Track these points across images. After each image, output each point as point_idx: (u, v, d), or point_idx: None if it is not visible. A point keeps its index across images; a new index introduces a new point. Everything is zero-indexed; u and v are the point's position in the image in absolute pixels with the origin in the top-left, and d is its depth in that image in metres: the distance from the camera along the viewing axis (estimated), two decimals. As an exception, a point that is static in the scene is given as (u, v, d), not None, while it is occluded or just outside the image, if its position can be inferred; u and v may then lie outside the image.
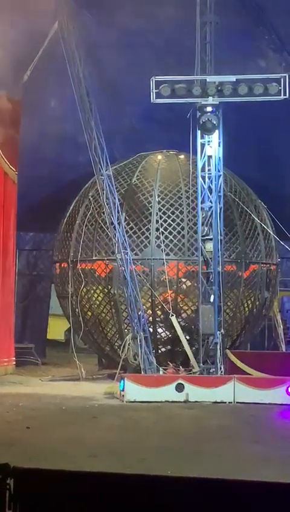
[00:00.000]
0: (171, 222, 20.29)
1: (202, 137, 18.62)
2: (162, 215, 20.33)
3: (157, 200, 20.45)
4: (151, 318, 20.11)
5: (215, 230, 18.44)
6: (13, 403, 15.96)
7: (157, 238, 20.15)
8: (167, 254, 20.10)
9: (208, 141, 18.61)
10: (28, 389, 18.31)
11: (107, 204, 19.01)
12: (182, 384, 16.75)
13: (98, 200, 20.16)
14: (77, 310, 20.99)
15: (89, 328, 21.21)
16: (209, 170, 18.66)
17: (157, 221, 20.27)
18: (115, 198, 19.03)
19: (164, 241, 20.08)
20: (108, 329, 21.06)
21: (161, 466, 10.08)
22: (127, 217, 20.22)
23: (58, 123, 20.87)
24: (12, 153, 21.01)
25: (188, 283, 20.21)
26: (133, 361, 18.41)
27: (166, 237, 20.16)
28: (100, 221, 20.36)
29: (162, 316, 20.31)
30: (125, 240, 19.08)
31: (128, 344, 18.52)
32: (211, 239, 18.50)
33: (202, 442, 12.58)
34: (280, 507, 5.66)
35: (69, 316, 21.22)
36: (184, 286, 20.26)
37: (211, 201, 18.59)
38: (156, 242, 20.16)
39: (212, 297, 18.35)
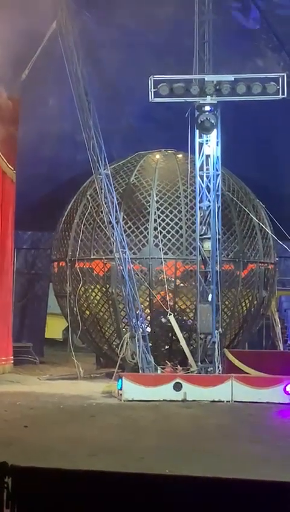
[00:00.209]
0: (169, 221, 20.30)
1: (200, 136, 18.62)
2: (160, 214, 20.34)
3: (155, 199, 20.45)
4: (149, 317, 20.12)
5: (213, 229, 18.45)
6: (11, 401, 15.96)
7: (156, 237, 20.16)
8: (165, 253, 20.11)
9: (206, 140, 18.61)
10: (26, 388, 18.31)
11: (105, 203, 19.01)
12: (180, 383, 16.77)
13: (96, 199, 20.16)
14: (75, 309, 20.99)
15: (87, 327, 21.22)
16: (207, 169, 18.67)
17: (155, 220, 20.28)
18: (113, 197, 19.04)
19: (162, 240, 20.08)
20: (106, 328, 21.07)
21: (159, 465, 10.09)
22: (125, 216, 20.22)
23: (56, 122, 20.87)
24: (11, 152, 21.00)
25: (178, 282, 20.19)
26: (131, 360, 18.42)
27: (164, 236, 20.17)
28: (98, 220, 20.37)
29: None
30: (123, 239, 19.08)
31: (126, 343, 18.53)
32: (209, 238, 18.50)
33: (200, 441, 12.59)
34: (278, 506, 5.67)
35: (67, 315, 21.20)
36: (172, 285, 20.23)
37: (209, 201, 18.60)
38: (154, 241, 20.17)
39: (210, 296, 18.36)
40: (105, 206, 19.01)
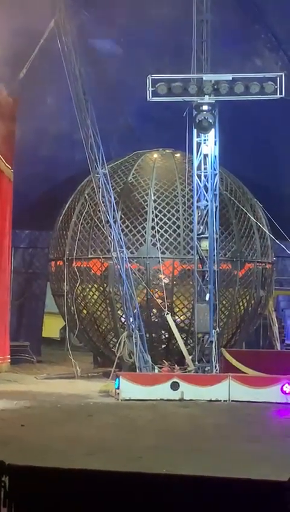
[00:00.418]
0: (167, 220, 20.30)
1: (198, 135, 18.62)
2: (158, 214, 20.34)
3: (153, 198, 20.45)
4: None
5: (211, 229, 18.45)
6: (8, 400, 15.95)
7: (153, 236, 20.16)
8: (163, 252, 20.11)
9: (204, 140, 18.61)
10: (23, 387, 18.31)
11: (103, 202, 19.01)
12: (177, 382, 16.77)
13: (94, 198, 20.15)
14: (72, 308, 20.98)
15: (85, 326, 21.22)
16: (205, 169, 18.66)
17: (153, 220, 20.28)
18: (110, 196, 19.04)
19: (159, 240, 20.09)
20: (103, 328, 21.06)
21: (157, 464, 10.09)
22: (122, 215, 20.22)
23: (54, 121, 20.87)
24: (9, 151, 20.98)
25: (166, 280, 20.19)
26: (128, 359, 18.43)
27: (162, 236, 20.17)
28: (96, 220, 20.36)
29: (157, 314, 20.35)
30: (121, 238, 19.08)
31: (124, 342, 18.53)
32: (206, 238, 18.50)
33: (197, 441, 12.60)
34: (275, 505, 5.68)
35: (65, 314, 21.21)
36: (163, 282, 20.23)
37: (206, 200, 18.60)
38: (151, 240, 20.17)
39: (207, 295, 18.37)
40: (103, 205, 19.01)
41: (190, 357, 18.69)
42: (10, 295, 22.35)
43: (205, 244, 18.51)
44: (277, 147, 22.41)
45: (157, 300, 20.00)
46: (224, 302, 20.59)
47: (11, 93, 20.63)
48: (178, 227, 20.30)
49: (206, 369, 18.15)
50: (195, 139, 18.60)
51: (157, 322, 20.46)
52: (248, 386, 16.67)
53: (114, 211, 19.07)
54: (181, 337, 19.58)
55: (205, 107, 18.27)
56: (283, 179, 22.78)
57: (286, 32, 21.46)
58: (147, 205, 20.47)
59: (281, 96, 18.14)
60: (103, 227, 19.54)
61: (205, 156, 18.64)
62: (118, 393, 16.63)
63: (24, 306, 25.19)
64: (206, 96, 18.20)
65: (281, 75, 18.27)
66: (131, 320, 18.56)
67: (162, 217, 20.32)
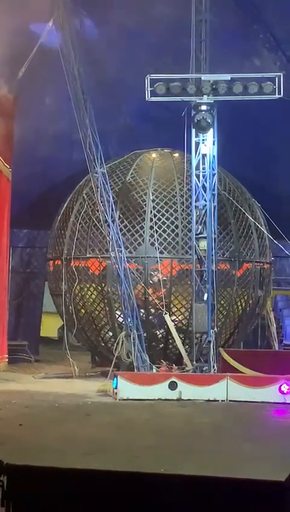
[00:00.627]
0: (165, 220, 20.31)
1: (197, 135, 18.63)
2: (156, 213, 20.34)
3: (151, 198, 20.46)
4: (144, 316, 20.13)
5: (209, 228, 18.47)
6: (6, 400, 15.96)
7: (152, 236, 20.17)
8: (161, 252, 20.12)
9: (203, 140, 18.62)
10: (21, 386, 18.31)
11: (101, 202, 19.02)
12: (175, 382, 16.78)
13: (92, 198, 20.16)
14: (70, 307, 20.99)
15: (83, 325, 21.22)
16: (203, 169, 18.68)
17: (151, 219, 20.28)
18: (109, 196, 19.05)
19: (157, 239, 20.09)
20: (101, 327, 21.07)
21: (154, 464, 10.09)
22: (121, 215, 20.22)
23: (53, 121, 20.87)
24: (7, 150, 20.98)
25: (160, 275, 20.18)
26: (126, 359, 18.44)
27: (160, 235, 20.18)
28: (94, 219, 20.36)
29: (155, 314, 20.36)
30: (119, 237, 19.09)
31: (122, 342, 18.53)
32: (205, 237, 18.52)
33: (194, 440, 12.61)
34: (273, 505, 5.68)
35: (63, 313, 21.22)
36: (155, 279, 20.24)
37: (205, 200, 18.61)
38: (150, 240, 20.17)
39: (205, 295, 18.38)
40: (101, 204, 19.02)
41: (188, 357, 18.72)
42: (8, 294, 22.35)
43: (203, 244, 18.52)
44: (276, 147, 22.42)
45: (155, 300, 20.00)
46: (222, 302, 20.61)
47: (9, 93, 20.61)
48: (176, 227, 20.31)
49: (204, 368, 18.16)
50: (193, 139, 18.61)
51: (155, 322, 20.46)
52: (245, 386, 16.68)
53: (112, 210, 19.08)
54: (179, 336, 19.60)
55: (203, 107, 18.28)
56: (281, 178, 22.78)
57: (284, 32, 21.47)
58: (145, 205, 20.47)
59: (279, 96, 18.15)
60: (101, 227, 19.55)
61: (204, 155, 18.66)
62: (116, 393, 16.63)
63: (22, 305, 25.20)
64: (205, 96, 18.21)
65: (280, 75, 18.28)
66: (129, 319, 18.57)
67: (161, 216, 20.32)
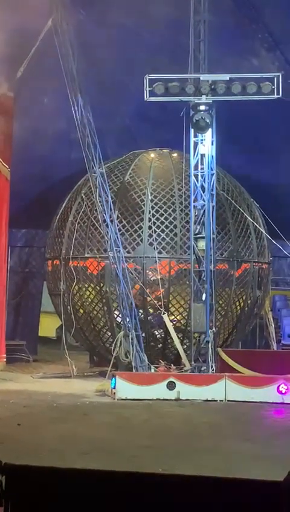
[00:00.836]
0: (163, 220, 20.31)
1: (195, 135, 18.63)
2: (155, 213, 20.34)
3: (150, 198, 20.46)
4: (143, 316, 20.13)
5: (207, 228, 18.47)
6: (4, 399, 15.95)
7: (150, 236, 20.17)
8: (159, 252, 20.12)
9: (201, 140, 18.63)
10: (19, 386, 18.30)
11: (99, 201, 19.01)
12: (173, 382, 16.78)
13: (91, 198, 20.16)
14: (68, 307, 20.99)
15: (81, 325, 21.22)
16: (202, 169, 18.68)
17: (149, 219, 20.29)
18: (107, 196, 19.05)
19: (156, 239, 20.09)
20: (100, 327, 21.07)
21: (152, 464, 10.10)
22: (119, 215, 20.23)
23: (51, 120, 20.85)
24: (6, 150, 20.98)
25: (157, 276, 20.18)
26: (124, 359, 18.43)
27: (158, 235, 20.18)
28: (93, 219, 20.37)
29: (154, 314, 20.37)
30: (117, 237, 19.09)
31: (120, 342, 18.53)
32: (203, 237, 18.52)
33: (193, 440, 12.61)
34: (270, 505, 5.68)
35: (61, 313, 21.21)
36: (152, 278, 20.25)
37: (203, 200, 18.61)
38: (148, 240, 20.18)
39: (204, 295, 18.38)
40: (99, 204, 19.02)
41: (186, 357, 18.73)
42: (6, 294, 22.35)
43: (201, 244, 18.52)
44: (274, 147, 22.43)
45: (153, 300, 20.00)
46: (220, 302, 20.62)
47: (8, 92, 20.60)
48: (175, 227, 20.31)
49: (202, 368, 18.16)
50: (192, 139, 18.61)
51: (154, 322, 20.45)
52: (244, 386, 16.68)
53: (111, 210, 19.08)
54: (178, 336, 19.60)
55: (202, 107, 18.29)
56: (279, 178, 22.80)
57: (283, 32, 21.47)
58: (143, 205, 20.48)
59: (278, 96, 18.16)
60: (100, 227, 19.55)
61: (202, 155, 18.66)
62: (114, 393, 16.63)
63: (20, 305, 25.20)
64: (204, 96, 18.21)
65: (279, 75, 18.30)
66: (127, 319, 18.57)
67: (159, 216, 20.32)
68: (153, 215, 20.31)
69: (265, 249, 21.71)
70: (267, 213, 21.19)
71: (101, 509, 5.93)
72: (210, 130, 18.46)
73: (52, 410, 15.11)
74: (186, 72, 18.41)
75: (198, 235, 18.60)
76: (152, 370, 18.42)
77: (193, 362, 18.36)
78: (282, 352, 21.17)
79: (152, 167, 21.20)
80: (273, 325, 22.65)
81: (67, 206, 21.61)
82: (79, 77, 18.88)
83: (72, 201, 21.50)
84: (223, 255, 20.66)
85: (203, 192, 18.62)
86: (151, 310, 20.31)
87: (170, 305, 20.31)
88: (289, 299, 24.51)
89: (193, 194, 18.74)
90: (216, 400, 16.59)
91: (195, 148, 18.66)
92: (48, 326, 26.63)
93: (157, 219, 20.29)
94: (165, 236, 20.22)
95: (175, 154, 21.46)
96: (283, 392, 16.42)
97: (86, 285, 20.92)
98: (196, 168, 18.69)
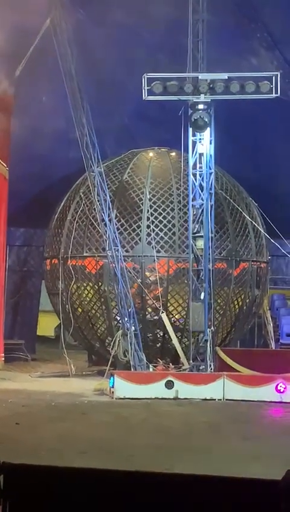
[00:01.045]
0: (162, 219, 20.31)
1: (194, 134, 18.63)
2: (153, 212, 20.35)
3: (148, 197, 20.46)
4: (141, 315, 20.13)
5: (206, 227, 18.47)
6: (2, 399, 15.94)
7: (148, 235, 20.17)
8: (158, 251, 20.12)
9: (200, 139, 18.62)
10: (17, 385, 18.30)
11: (98, 200, 19.01)
12: (171, 381, 16.78)
13: (89, 197, 20.15)
14: (67, 306, 20.97)
15: (79, 324, 21.22)
16: (200, 168, 18.68)
17: (148, 218, 20.29)
18: (106, 194, 19.04)
19: (154, 238, 20.09)
20: (98, 326, 21.07)
21: (151, 463, 10.09)
22: (118, 214, 20.23)
23: (50, 119, 20.83)
24: (4, 149, 20.97)
25: (153, 277, 20.20)
26: (123, 358, 18.43)
27: (157, 234, 20.18)
28: (91, 218, 20.36)
29: (152, 313, 20.37)
30: (116, 236, 19.09)
31: (119, 341, 18.54)
32: (201, 236, 18.52)
33: (191, 439, 12.62)
34: (269, 504, 5.69)
35: (60, 312, 21.20)
36: (149, 280, 20.25)
37: (202, 199, 18.61)
38: (147, 239, 20.18)
39: (202, 294, 18.38)
40: (98, 203, 19.02)
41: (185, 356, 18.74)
42: (5, 293, 22.33)
43: (200, 243, 18.52)
44: (273, 146, 22.43)
45: (151, 299, 20.01)
46: (219, 301, 20.62)
47: (6, 91, 20.58)
48: (173, 226, 20.32)
49: (200, 367, 18.17)
50: (191, 138, 18.61)
51: (152, 321, 20.46)
52: (242, 385, 16.69)
53: (109, 209, 19.08)
54: (176, 335, 19.61)
55: (200, 106, 18.28)
56: (278, 177, 22.80)
57: (281, 31, 21.48)
58: (142, 204, 20.47)
59: (276, 95, 18.16)
60: (98, 226, 19.55)
61: (201, 155, 18.66)
62: (113, 392, 16.63)
63: (19, 304, 25.18)
64: (202, 95, 18.21)
65: (277, 75, 18.29)
66: (126, 318, 18.57)
67: (158, 215, 20.33)
68: (152, 214, 20.31)
69: (263, 248, 21.71)
70: (265, 212, 21.18)
71: (100, 509, 5.94)
72: (208, 129, 18.45)
73: (50, 410, 15.11)
74: (185, 71, 18.40)
75: (196, 234, 18.60)
76: (150, 369, 18.41)
77: (191, 361, 18.36)
78: (280, 351, 21.19)
79: (150, 166, 21.20)
80: (271, 324, 22.68)
81: (66, 205, 21.60)
82: (78, 76, 18.87)
83: (70, 200, 21.50)
84: (222, 254, 20.67)
85: (202, 191, 18.62)
86: (149, 309, 20.31)
87: (169, 304, 20.31)
88: (287, 298, 24.54)
89: (192, 193, 18.74)
90: (214, 399, 16.60)
91: (193, 147, 18.66)
92: (47, 325, 26.61)
93: (156, 218, 20.29)
94: (163, 235, 20.22)
95: (173, 153, 21.46)
96: (281, 391, 16.43)
97: (85, 284, 20.92)
98: (194, 167, 18.69)
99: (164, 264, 20.31)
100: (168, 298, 20.31)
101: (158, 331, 20.42)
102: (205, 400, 16.56)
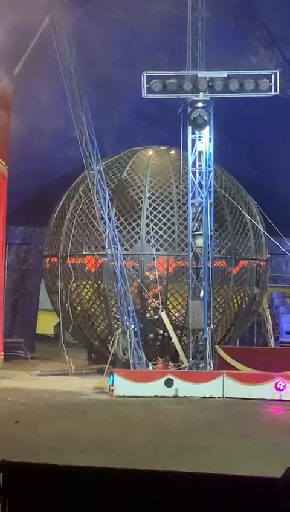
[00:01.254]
0: (161, 217, 20.31)
1: (193, 133, 18.62)
2: (153, 211, 20.35)
3: (147, 195, 20.46)
4: (141, 313, 20.13)
5: (205, 226, 18.47)
6: (2, 397, 15.94)
7: (148, 233, 20.17)
8: (157, 249, 20.12)
9: (199, 137, 18.62)
10: (17, 384, 18.29)
11: (97, 199, 19.01)
12: (171, 379, 16.78)
13: (89, 195, 20.15)
14: (66, 304, 20.96)
15: (79, 323, 21.22)
16: (199, 166, 18.67)
17: (147, 217, 20.29)
18: (105, 193, 19.04)
19: (154, 237, 20.09)
20: (98, 324, 21.07)
21: (150, 461, 10.10)
22: (117, 212, 20.22)
23: (49, 118, 20.82)
24: (3, 147, 20.96)
25: (152, 276, 20.19)
26: (122, 356, 18.44)
27: (156, 232, 20.18)
28: (90, 216, 20.36)
29: (152, 311, 20.37)
30: (115, 234, 19.09)
31: (118, 339, 18.54)
32: (201, 235, 18.51)
33: (190, 437, 12.62)
34: (268, 502, 5.69)
35: (59, 310, 21.20)
36: (149, 279, 20.26)
37: (201, 197, 18.61)
38: (146, 237, 20.18)
39: (202, 292, 18.38)
40: (97, 201, 19.01)
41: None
42: (4, 292, 22.33)
43: (199, 241, 18.52)
44: (272, 145, 22.43)
45: (151, 297, 20.01)
46: (218, 299, 20.62)
47: (5, 90, 20.57)
48: (173, 224, 20.32)
49: (200, 366, 18.17)
50: (190, 136, 18.61)
51: (151, 319, 20.46)
52: (242, 383, 16.70)
53: (108, 207, 19.08)
54: (176, 334, 19.61)
55: (199, 104, 18.28)
56: (277, 176, 22.79)
57: (280, 29, 21.48)
58: (141, 202, 20.47)
59: (275, 93, 18.15)
60: (98, 224, 19.54)
61: (200, 153, 18.65)
62: (112, 390, 16.63)
63: (18, 303, 25.18)
64: (201, 93, 18.21)
65: (276, 73, 18.29)
66: (125, 317, 18.57)
67: (157, 213, 20.33)
68: (151, 213, 20.31)
69: (263, 246, 21.71)
70: (265, 210, 21.20)
71: (99, 506, 5.94)
72: (208, 127, 18.45)
73: (50, 408, 15.11)
74: (184, 69, 18.40)
75: (196, 232, 18.59)
76: (150, 367, 18.42)
77: (190, 359, 18.37)
78: (280, 349, 21.20)
79: (150, 164, 21.19)
80: (271, 322, 22.68)
81: (65, 203, 21.60)
82: (77, 75, 18.86)
83: (69, 199, 21.50)
84: (221, 252, 20.67)
85: (201, 190, 18.61)
86: (149, 308, 20.32)
87: (168, 303, 20.31)
88: (286, 296, 24.55)
89: (191, 191, 18.74)
90: (214, 397, 16.60)
91: (193, 145, 18.66)
92: (46, 323, 26.62)
93: (155, 216, 20.29)
94: (163, 234, 20.22)
95: (173, 152, 21.45)
96: (281, 388, 16.44)
97: (84, 283, 20.92)
98: (193, 165, 18.69)
99: (163, 263, 20.31)
100: (168, 296, 20.31)
101: (158, 329, 20.42)
102: (205, 398, 16.57)
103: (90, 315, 21.01)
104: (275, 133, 22.14)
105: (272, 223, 20.54)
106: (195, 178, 18.66)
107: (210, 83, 18.16)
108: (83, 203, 20.79)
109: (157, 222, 20.26)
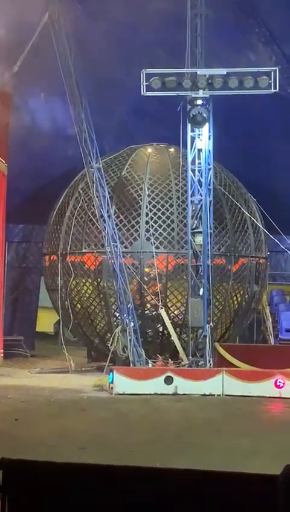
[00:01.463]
0: (161, 215, 20.31)
1: (192, 130, 18.61)
2: (152, 208, 20.34)
3: (147, 193, 20.45)
4: (140, 311, 20.13)
5: (205, 223, 18.47)
6: (2, 395, 15.96)
7: (147, 231, 20.17)
8: (157, 247, 20.12)
9: (198, 134, 18.61)
10: (16, 381, 18.31)
11: (97, 196, 19.00)
12: (170, 376, 16.79)
13: (88, 193, 20.14)
14: (66, 302, 20.98)
15: (78, 320, 21.22)
16: (199, 163, 18.67)
17: (147, 214, 20.29)
18: (104, 191, 19.03)
19: (153, 234, 20.09)
20: (97, 322, 21.08)
21: (150, 458, 10.10)
22: (116, 210, 20.22)
23: (48, 116, 20.83)
24: (2, 145, 20.95)
25: (152, 273, 20.20)
26: (122, 353, 18.44)
27: (156, 230, 20.18)
28: (90, 214, 20.36)
29: (151, 309, 20.37)
30: (115, 232, 19.08)
31: (118, 337, 18.54)
32: (200, 232, 18.51)
33: (190, 435, 12.62)
34: (267, 499, 5.69)
35: (59, 308, 21.22)
36: (149, 276, 20.27)
37: (200, 195, 18.61)
38: (145, 235, 20.17)
39: (201, 290, 18.38)
40: (97, 199, 19.01)
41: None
42: (4, 289, 22.34)
43: (199, 239, 18.52)
44: (271, 142, 22.43)
45: (151, 295, 20.01)
46: (218, 296, 20.62)
47: (4, 87, 20.57)
48: (172, 221, 20.31)
49: (200, 363, 18.18)
50: (189, 134, 18.60)
51: (151, 317, 20.47)
52: (241, 381, 16.70)
53: (108, 205, 19.07)
54: (175, 331, 19.61)
55: (199, 102, 18.27)
56: (276, 173, 22.79)
57: (279, 26, 21.47)
58: (141, 199, 20.47)
59: (275, 91, 18.14)
60: (97, 222, 19.54)
61: (199, 150, 18.64)
62: (112, 388, 16.64)
63: (18, 300, 25.20)
64: (201, 91, 18.20)
65: (275, 70, 18.29)
66: (125, 314, 18.57)
67: (156, 211, 20.32)
68: (150, 210, 20.31)
69: (262, 244, 21.71)
70: (264, 208, 21.19)
71: (99, 504, 5.94)
72: (207, 124, 18.44)
73: (49, 406, 15.12)
74: (183, 66, 18.38)
75: (195, 230, 18.59)
76: (150, 365, 18.42)
77: (190, 357, 18.38)
78: (279, 346, 21.20)
79: (149, 162, 21.19)
80: (270, 320, 22.69)
81: (65, 201, 21.60)
82: (76, 72, 18.84)
83: (69, 197, 21.49)
84: (221, 250, 20.67)
85: (200, 187, 18.61)
86: (148, 305, 20.32)
87: (168, 300, 20.31)
88: (286, 294, 24.55)
89: (190, 189, 18.73)
90: (214, 395, 16.61)
91: (192, 143, 18.65)
92: (46, 321, 26.63)
93: (155, 214, 20.29)
94: (162, 231, 20.22)
95: (172, 149, 21.45)
96: (280, 386, 16.45)
97: (84, 281, 20.92)
98: (193, 162, 18.69)
99: (162, 260, 20.31)
100: (167, 294, 20.31)
101: (158, 326, 20.42)
102: (204, 395, 16.57)
103: (90, 313, 21.02)
104: (274, 130, 22.13)
105: (271, 221, 20.55)
106: (194, 175, 18.66)
107: (209, 81, 18.15)
108: (82, 200, 20.78)
109: (157, 220, 20.26)
